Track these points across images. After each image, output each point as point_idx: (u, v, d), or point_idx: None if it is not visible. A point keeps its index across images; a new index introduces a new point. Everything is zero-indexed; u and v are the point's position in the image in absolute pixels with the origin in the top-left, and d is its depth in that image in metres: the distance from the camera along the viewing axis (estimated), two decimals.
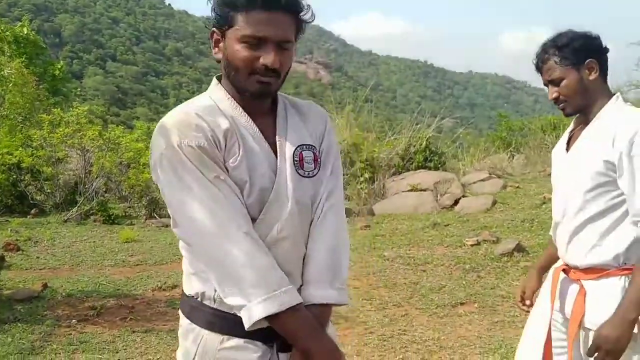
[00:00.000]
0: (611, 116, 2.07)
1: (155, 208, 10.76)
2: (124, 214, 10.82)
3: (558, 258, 2.35)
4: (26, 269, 6.75)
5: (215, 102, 1.53)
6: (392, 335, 4.61)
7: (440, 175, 10.36)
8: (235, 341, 1.47)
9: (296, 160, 1.56)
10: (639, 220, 1.96)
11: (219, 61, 1.57)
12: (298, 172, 1.55)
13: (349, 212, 9.65)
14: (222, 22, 1.48)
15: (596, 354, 1.98)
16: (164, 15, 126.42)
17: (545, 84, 2.19)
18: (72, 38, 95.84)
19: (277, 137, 1.56)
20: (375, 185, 11.04)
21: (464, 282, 5.88)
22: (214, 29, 1.51)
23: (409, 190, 10.04)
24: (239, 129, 1.50)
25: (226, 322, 1.47)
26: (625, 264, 2.03)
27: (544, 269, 2.50)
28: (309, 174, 1.58)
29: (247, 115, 1.54)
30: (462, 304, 5.33)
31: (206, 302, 1.50)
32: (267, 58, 1.46)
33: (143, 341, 4.54)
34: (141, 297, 5.73)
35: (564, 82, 2.11)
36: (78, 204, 10.29)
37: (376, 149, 11.58)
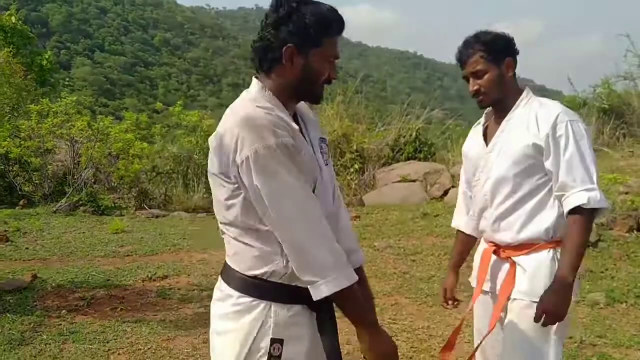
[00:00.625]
0: (529, 106, 2.29)
1: (145, 199, 10.75)
2: (113, 205, 10.77)
3: (467, 254, 2.68)
4: (15, 260, 6.72)
5: (273, 107, 1.71)
6: (382, 324, 4.58)
7: (429, 166, 10.40)
8: (297, 308, 1.74)
9: (321, 151, 1.86)
10: (562, 195, 2.16)
11: (278, 73, 1.76)
12: (324, 160, 1.85)
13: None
14: (309, 43, 1.71)
15: (543, 320, 2.12)
16: (153, 5, 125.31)
17: (466, 77, 2.35)
18: (60, 28, 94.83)
19: (304, 132, 1.82)
20: (365, 176, 11.07)
21: None
22: (291, 45, 1.69)
23: (398, 181, 10.08)
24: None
25: (289, 294, 1.72)
26: (553, 237, 2.23)
27: (458, 266, 2.72)
28: (326, 162, 1.87)
29: (287, 112, 1.76)
30: None
31: (272, 279, 1.72)
32: (335, 74, 1.79)
33: (133, 331, 4.54)
34: (131, 288, 5.72)
35: (486, 76, 2.29)
36: (67, 195, 10.25)
37: (366, 140, 11.60)
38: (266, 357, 1.71)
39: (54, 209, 9.93)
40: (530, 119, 2.23)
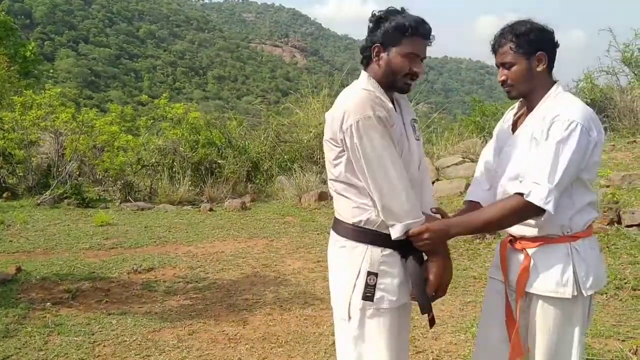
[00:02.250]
0: (553, 102, 2.26)
1: (130, 191, 10.70)
2: (98, 198, 10.73)
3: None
4: None
5: (374, 90, 2.19)
6: None
7: None
8: (388, 251, 2.19)
9: (413, 129, 2.31)
10: (519, 181, 2.22)
11: (370, 67, 2.26)
12: (415, 137, 2.30)
13: (325, 196, 9.70)
14: (390, 42, 2.18)
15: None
16: None
17: (497, 66, 2.35)
18: (44, 19, 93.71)
19: (398, 112, 2.27)
20: None
21: None
22: (378, 44, 2.20)
23: None
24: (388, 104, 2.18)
25: (382, 239, 2.17)
26: (568, 232, 2.23)
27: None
28: (417, 137, 2.33)
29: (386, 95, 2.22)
30: None
31: (368, 227, 2.18)
32: (419, 68, 2.21)
33: (119, 323, 4.55)
34: (117, 280, 5.72)
35: (514, 68, 2.28)
36: (51, 188, 10.19)
37: None
38: (364, 284, 2.16)
39: (38, 201, 9.87)
40: (546, 117, 2.20)
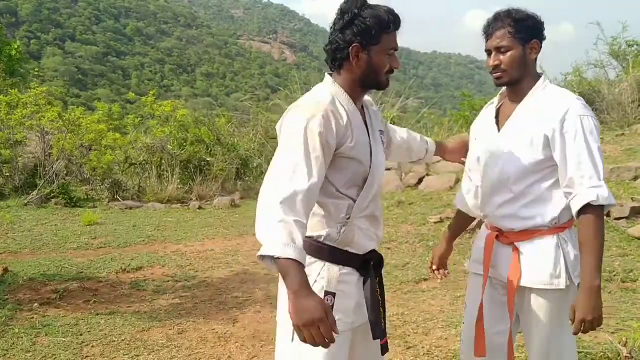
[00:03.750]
0: (545, 94, 2.27)
1: (118, 190, 10.64)
2: (85, 197, 10.66)
3: (464, 230, 2.73)
4: None
5: (334, 96, 2.03)
6: None
7: None
8: (348, 269, 2.04)
9: (381, 139, 2.19)
10: (570, 191, 2.14)
11: (348, 67, 2.05)
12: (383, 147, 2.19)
13: None
14: (370, 41, 1.99)
15: (583, 327, 2.09)
16: None
17: (487, 50, 2.30)
18: (29, 17, 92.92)
19: (367, 121, 2.14)
20: None
21: (427, 259, 5.95)
22: (356, 44, 1.99)
23: None
24: (351, 117, 2.02)
25: (342, 256, 2.03)
26: (556, 224, 2.23)
27: (453, 239, 2.75)
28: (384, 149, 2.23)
29: (354, 104, 2.07)
30: (425, 279, 5.44)
31: (327, 242, 2.02)
32: (398, 63, 2.09)
33: (107, 323, 4.51)
34: (104, 280, 5.68)
35: (509, 53, 2.24)
36: (38, 187, 10.09)
37: None
38: None
39: (25, 201, 9.78)
40: (544, 108, 2.21)
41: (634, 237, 5.81)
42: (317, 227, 2.03)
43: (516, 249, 2.27)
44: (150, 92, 13.09)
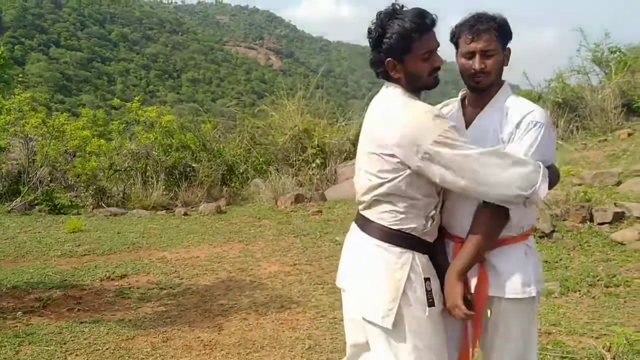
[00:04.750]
0: (509, 100, 2.25)
1: (103, 197, 10.56)
2: (70, 204, 10.57)
3: None
4: None
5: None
6: (343, 318, 4.64)
7: None
8: (426, 257, 2.23)
9: None
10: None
11: (397, 79, 2.22)
12: None
13: (301, 198, 9.68)
14: (401, 52, 2.13)
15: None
16: None
17: (470, 52, 2.23)
18: (13, 23, 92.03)
19: None
20: (326, 170, 11.10)
21: None
22: (389, 60, 2.16)
23: None
24: None
25: (424, 246, 2.23)
26: (521, 232, 2.23)
27: None
28: None
29: None
30: None
31: (414, 233, 2.20)
32: (438, 60, 2.19)
33: (91, 332, 4.47)
34: (89, 288, 5.64)
35: (494, 58, 2.21)
36: (22, 194, 10.00)
37: (327, 135, 11.61)
38: (424, 292, 2.17)
39: (9, 208, 9.68)
40: (507, 114, 2.21)
41: (617, 242, 5.87)
42: (407, 221, 2.18)
43: (484, 260, 2.22)
44: (136, 98, 13.02)
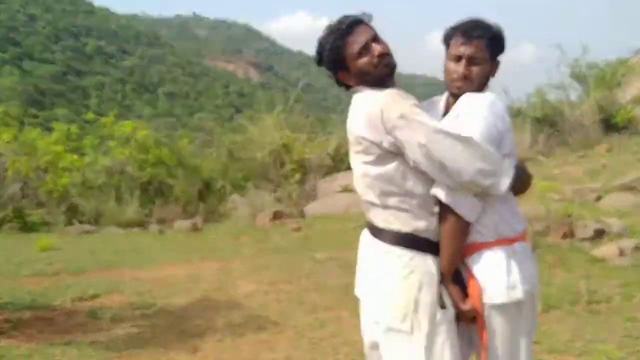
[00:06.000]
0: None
1: (75, 214, 10.38)
2: (41, 221, 10.39)
3: None
4: None
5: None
6: (322, 338, 4.59)
7: None
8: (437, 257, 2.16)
9: None
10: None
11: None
12: None
13: (280, 215, 9.58)
14: (341, 63, 2.23)
15: None
16: (85, 12, 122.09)
17: (457, 56, 2.19)
18: None
19: None
20: (306, 186, 11.04)
21: None
22: (339, 72, 2.28)
23: (340, 191, 10.06)
24: None
25: (434, 247, 2.16)
26: (500, 236, 2.16)
27: None
28: None
29: None
30: None
31: (425, 235, 2.16)
32: (378, 48, 2.17)
33: (63, 354, 4.34)
34: (60, 308, 5.50)
35: (481, 67, 2.17)
36: None
37: (307, 150, 11.58)
38: (436, 293, 2.14)
39: None
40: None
41: (598, 259, 5.87)
42: (413, 221, 2.15)
43: (468, 266, 2.19)
44: (112, 113, 12.88)
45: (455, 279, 2.17)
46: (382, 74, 2.20)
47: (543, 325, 4.61)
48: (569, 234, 6.36)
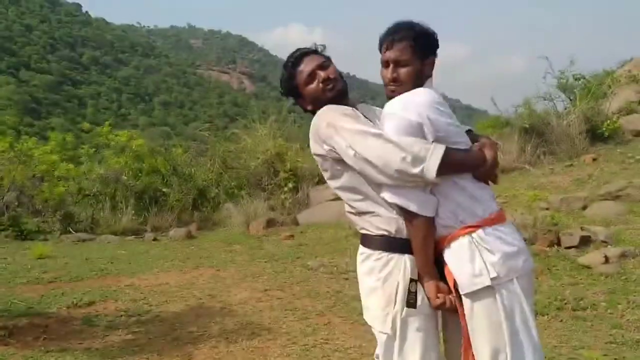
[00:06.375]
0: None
1: (71, 222, 10.39)
2: (37, 229, 10.37)
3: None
4: None
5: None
6: (314, 344, 4.63)
7: None
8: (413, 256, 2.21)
9: None
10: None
11: None
12: None
13: (273, 223, 9.64)
14: (296, 91, 2.44)
15: None
16: (81, 23, 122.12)
17: (385, 61, 2.24)
18: None
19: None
20: (299, 195, 11.09)
21: None
22: (297, 100, 2.48)
23: (332, 200, 10.13)
24: None
25: (410, 246, 2.19)
26: (463, 222, 2.16)
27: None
28: None
29: None
30: None
31: (398, 235, 2.22)
32: (323, 74, 2.37)
33: None
34: (55, 316, 5.50)
35: (407, 68, 2.19)
36: None
37: (300, 159, 11.63)
38: (406, 292, 2.19)
39: None
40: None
41: (584, 266, 5.95)
42: (384, 222, 2.23)
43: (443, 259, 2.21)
44: (106, 122, 12.93)
45: (439, 273, 2.20)
46: (329, 98, 2.35)
47: None
48: (556, 242, 6.44)
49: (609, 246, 6.25)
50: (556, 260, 6.18)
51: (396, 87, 2.21)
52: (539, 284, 5.72)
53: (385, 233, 2.24)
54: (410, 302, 2.19)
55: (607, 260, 5.88)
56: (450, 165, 2.11)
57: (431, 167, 2.06)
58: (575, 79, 12.85)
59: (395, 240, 2.23)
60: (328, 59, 2.43)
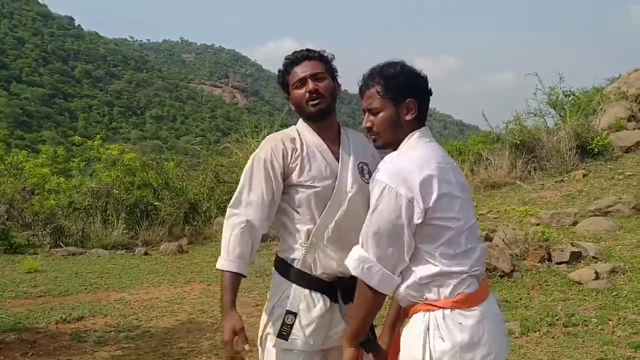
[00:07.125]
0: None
1: (61, 236, 10.32)
2: (27, 243, 10.31)
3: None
4: None
5: (297, 130, 2.36)
6: None
7: None
8: (317, 294, 2.21)
9: (360, 170, 2.29)
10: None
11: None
12: (363, 180, 2.26)
13: (265, 238, 9.61)
14: (285, 87, 2.40)
15: None
16: (73, 36, 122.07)
17: (363, 110, 2.08)
18: None
19: (341, 151, 2.30)
20: None
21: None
22: (287, 95, 2.42)
23: None
24: (308, 148, 2.28)
25: (307, 280, 2.22)
26: (426, 299, 1.91)
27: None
28: (366, 181, 2.22)
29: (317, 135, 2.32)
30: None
31: (294, 265, 2.24)
32: (311, 85, 2.29)
33: None
34: (44, 331, 5.48)
35: (380, 114, 2.01)
36: None
37: None
38: (281, 322, 2.19)
39: None
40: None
41: (574, 282, 5.96)
42: (287, 250, 2.26)
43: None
44: (98, 135, 12.90)
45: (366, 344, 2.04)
46: (309, 113, 2.31)
47: (522, 348, 4.69)
48: (547, 258, 6.46)
49: (599, 262, 6.28)
50: (547, 276, 6.19)
51: (375, 136, 2.06)
52: (531, 300, 5.73)
53: (286, 258, 2.28)
54: (283, 333, 2.18)
55: (597, 276, 5.90)
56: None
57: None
58: (565, 96, 13.00)
59: (290, 267, 2.25)
60: (330, 71, 2.36)
